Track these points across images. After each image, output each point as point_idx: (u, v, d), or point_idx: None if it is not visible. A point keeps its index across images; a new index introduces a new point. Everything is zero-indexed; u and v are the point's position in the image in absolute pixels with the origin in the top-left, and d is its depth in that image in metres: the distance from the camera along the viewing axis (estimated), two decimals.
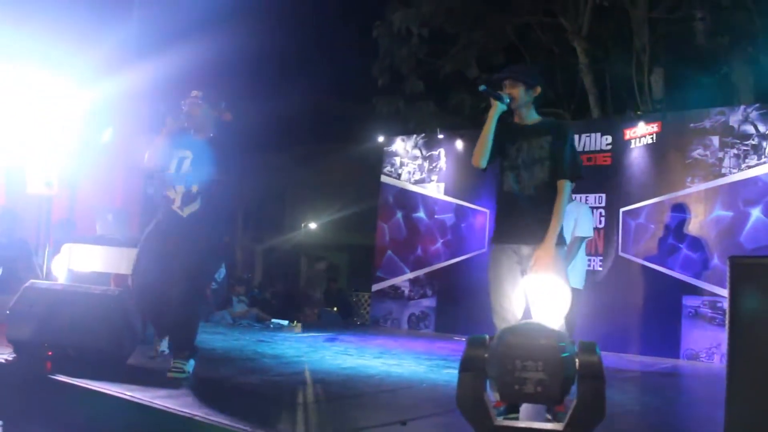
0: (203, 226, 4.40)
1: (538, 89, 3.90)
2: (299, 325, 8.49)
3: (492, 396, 2.38)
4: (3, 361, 4.36)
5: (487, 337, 2.45)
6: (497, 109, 3.77)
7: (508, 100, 3.78)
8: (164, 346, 4.98)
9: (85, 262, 6.40)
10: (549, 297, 3.66)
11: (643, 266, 7.98)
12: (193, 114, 4.59)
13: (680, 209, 7.88)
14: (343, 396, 4.26)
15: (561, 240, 3.80)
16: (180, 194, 4.45)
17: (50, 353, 4.44)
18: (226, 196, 4.59)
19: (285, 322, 9.44)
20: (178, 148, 4.55)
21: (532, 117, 3.91)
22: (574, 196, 8.33)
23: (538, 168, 3.78)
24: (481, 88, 3.80)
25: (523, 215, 3.77)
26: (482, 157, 3.81)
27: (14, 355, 4.45)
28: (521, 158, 3.82)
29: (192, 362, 4.41)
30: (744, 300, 2.49)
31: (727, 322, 2.55)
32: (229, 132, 4.78)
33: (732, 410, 2.44)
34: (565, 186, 3.77)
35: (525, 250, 3.74)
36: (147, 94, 8.61)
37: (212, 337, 7.03)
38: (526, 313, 3.77)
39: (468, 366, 2.39)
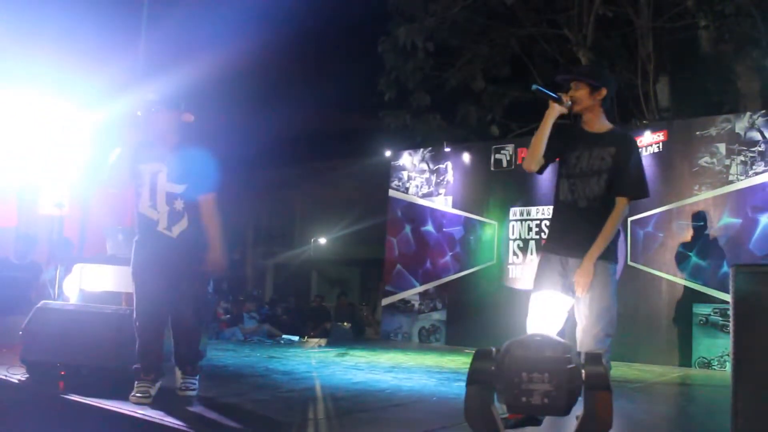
0: (198, 244, 4.11)
1: (604, 91, 3.60)
2: (324, 340, 8.51)
3: (499, 408, 2.41)
4: (17, 381, 4.40)
5: (494, 349, 2.47)
6: (555, 110, 3.55)
7: (569, 103, 3.55)
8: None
9: (97, 282, 6.45)
10: (591, 316, 3.49)
11: (653, 275, 7.97)
12: (153, 121, 4.15)
13: (688, 217, 7.87)
14: (354, 411, 4.27)
15: (612, 257, 3.58)
16: (164, 213, 4.10)
17: (63, 373, 4.47)
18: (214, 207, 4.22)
19: (296, 338, 9.46)
20: (147, 162, 4.15)
21: (599, 124, 3.65)
22: None
23: (595, 180, 3.55)
24: (534, 87, 3.61)
25: (574, 227, 3.59)
26: (533, 161, 3.63)
27: (27, 375, 4.49)
28: (579, 167, 3.60)
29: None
30: (748, 307, 2.50)
31: (731, 329, 2.57)
32: (196, 135, 4.34)
33: (738, 417, 2.45)
34: (623, 203, 3.54)
35: (571, 262, 3.56)
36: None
37: (223, 354, 7.06)
38: (565, 329, 3.60)
39: (475, 379, 2.41)
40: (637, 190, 3.58)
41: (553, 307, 3.55)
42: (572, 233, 3.57)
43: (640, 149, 3.83)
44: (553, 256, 3.62)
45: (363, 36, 13.73)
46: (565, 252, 3.59)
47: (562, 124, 3.64)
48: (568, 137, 3.66)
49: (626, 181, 3.52)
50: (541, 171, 3.72)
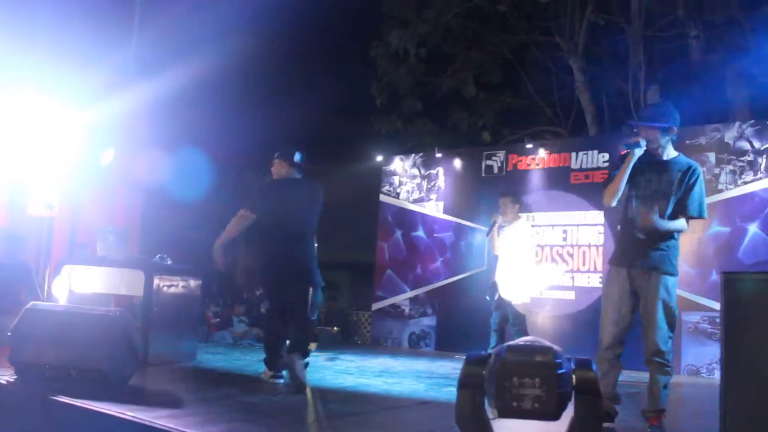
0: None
1: (674, 129, 4.09)
2: (314, 344, 8.50)
3: (490, 412, 2.42)
4: (5, 382, 4.38)
5: (485, 353, 2.48)
6: (635, 155, 4.03)
7: (644, 145, 4.02)
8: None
9: (86, 284, 6.44)
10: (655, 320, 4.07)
11: None
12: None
13: None
14: (344, 414, 4.27)
15: (673, 269, 4.07)
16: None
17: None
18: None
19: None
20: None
21: (668, 154, 4.12)
22: (574, 212, 8.43)
23: (662, 201, 4.02)
24: (623, 147, 4.08)
25: (641, 243, 4.04)
26: (614, 197, 4.11)
27: (16, 377, 4.46)
28: (650, 189, 4.06)
29: None
30: (737, 313, 2.52)
31: (720, 335, 2.59)
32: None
33: (726, 421, 2.47)
34: (685, 221, 4.06)
35: (635, 272, 4.07)
36: (147, 114, 8.68)
37: (213, 357, 7.04)
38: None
39: (466, 383, 2.42)
40: (700, 211, 4.12)
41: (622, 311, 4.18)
42: (638, 247, 4.08)
43: (702, 178, 4.20)
44: (621, 269, 4.17)
45: (355, 41, 13.74)
46: (630, 264, 4.12)
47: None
48: (639, 162, 4.08)
49: (692, 203, 4.05)
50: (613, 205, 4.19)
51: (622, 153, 4.08)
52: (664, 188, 4.04)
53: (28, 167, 7.85)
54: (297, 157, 5.66)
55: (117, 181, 8.66)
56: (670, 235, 4.06)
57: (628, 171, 4.05)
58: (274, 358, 5.34)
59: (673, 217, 4.05)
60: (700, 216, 4.12)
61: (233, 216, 5.57)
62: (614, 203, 4.14)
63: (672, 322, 4.08)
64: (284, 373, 5.27)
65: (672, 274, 4.06)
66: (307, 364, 5.15)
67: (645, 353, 4.20)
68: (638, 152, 4.02)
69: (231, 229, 5.51)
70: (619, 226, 4.30)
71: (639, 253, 4.06)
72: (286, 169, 5.61)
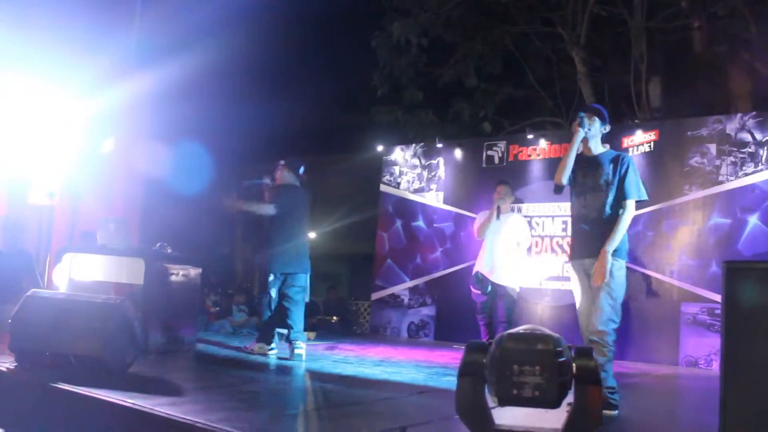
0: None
1: (608, 127, 4.59)
2: (313, 333, 8.50)
3: (491, 400, 2.42)
4: (5, 369, 4.39)
5: (486, 341, 2.48)
6: (579, 134, 4.42)
7: (588, 129, 4.44)
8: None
9: (87, 272, 6.44)
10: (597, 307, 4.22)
11: (642, 274, 8.01)
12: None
13: (678, 217, 7.92)
14: (343, 403, 4.28)
15: (619, 254, 4.32)
16: None
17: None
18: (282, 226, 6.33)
19: (285, 331, 9.43)
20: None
21: (597, 149, 4.52)
22: (561, 204, 8.43)
23: (604, 192, 4.35)
24: (581, 114, 4.49)
25: (589, 234, 4.37)
26: (565, 174, 4.44)
27: (16, 364, 4.47)
28: (588, 185, 4.41)
29: None
30: (738, 304, 2.52)
31: (721, 326, 2.59)
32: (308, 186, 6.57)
33: (726, 413, 2.47)
34: (629, 205, 4.33)
35: (588, 262, 4.35)
36: (148, 103, 8.67)
37: (213, 346, 7.05)
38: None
39: (467, 371, 2.42)
40: (639, 192, 4.39)
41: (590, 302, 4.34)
42: (588, 239, 4.38)
43: (634, 165, 4.52)
44: (576, 262, 4.50)
45: (357, 31, 13.72)
46: (583, 255, 4.43)
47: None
48: (576, 162, 4.47)
49: (629, 188, 4.34)
50: (565, 185, 4.50)
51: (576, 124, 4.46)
52: (600, 181, 4.37)
53: (28, 156, 7.84)
54: (302, 169, 6.62)
55: (118, 171, 8.66)
56: (614, 223, 4.30)
57: (575, 147, 4.43)
58: (270, 332, 6.44)
59: (615, 206, 4.33)
60: (640, 197, 4.38)
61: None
62: (566, 181, 4.45)
63: (614, 306, 4.26)
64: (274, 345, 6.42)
65: (617, 259, 4.31)
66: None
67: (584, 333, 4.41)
68: (581, 134, 4.41)
69: (253, 208, 6.50)
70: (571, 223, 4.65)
71: (589, 244, 4.36)
72: (290, 177, 6.51)
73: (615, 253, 4.28)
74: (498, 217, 7.20)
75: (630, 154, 8.32)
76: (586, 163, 4.48)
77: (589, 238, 4.37)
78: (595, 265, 4.24)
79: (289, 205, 6.34)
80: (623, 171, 4.36)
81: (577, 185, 4.49)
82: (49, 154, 7.91)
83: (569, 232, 8.12)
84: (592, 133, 4.48)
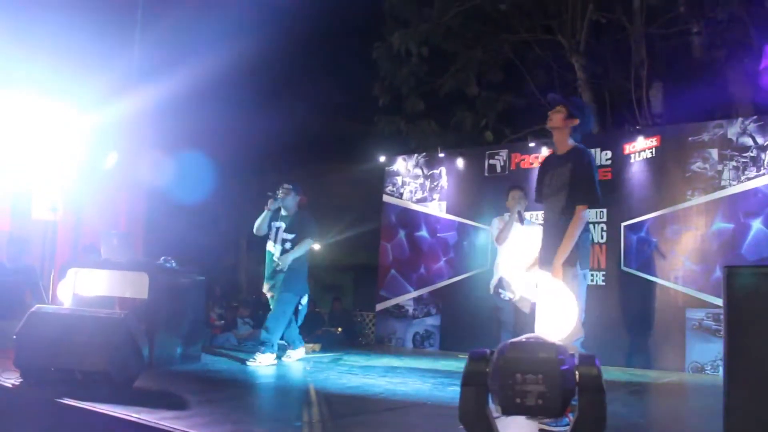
0: (291, 270, 6.80)
1: (575, 121, 4.12)
2: (318, 345, 8.48)
3: (494, 409, 2.42)
4: (10, 385, 4.39)
5: (489, 351, 2.48)
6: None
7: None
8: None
9: (91, 286, 6.45)
10: (554, 316, 3.88)
11: (646, 280, 7.99)
12: (285, 198, 6.96)
13: (681, 222, 7.91)
14: (349, 414, 4.28)
15: (574, 260, 3.96)
16: (278, 250, 6.85)
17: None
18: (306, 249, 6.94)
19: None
20: (275, 220, 6.99)
21: (564, 146, 4.15)
22: None
23: (562, 195, 4.02)
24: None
25: (545, 242, 4.13)
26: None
27: (21, 380, 4.48)
28: (553, 186, 4.12)
29: None
30: (740, 308, 2.52)
31: (724, 330, 2.58)
32: (307, 210, 7.15)
33: (730, 418, 2.46)
34: (578, 211, 3.96)
35: (544, 272, 4.06)
36: (150, 116, 8.70)
37: (217, 359, 7.05)
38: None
39: (470, 380, 2.42)
40: (588, 197, 3.99)
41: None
42: (548, 246, 4.12)
43: (591, 159, 4.13)
44: (542, 271, 4.17)
45: (357, 42, 13.75)
46: (544, 264, 4.14)
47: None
48: (546, 163, 4.30)
49: (579, 191, 3.98)
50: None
51: None
52: (559, 182, 4.07)
53: (31, 171, 7.87)
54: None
55: (121, 185, 8.69)
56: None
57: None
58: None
59: (568, 209, 4.01)
60: (589, 204, 4.02)
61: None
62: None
63: (571, 320, 3.91)
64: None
65: (572, 265, 3.97)
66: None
67: None
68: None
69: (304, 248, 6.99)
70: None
71: (545, 252, 4.15)
72: (294, 201, 7.04)
73: (569, 261, 3.96)
74: (522, 221, 6.86)
75: (632, 160, 8.33)
76: (552, 163, 4.23)
77: (545, 246, 4.16)
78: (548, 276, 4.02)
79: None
80: (576, 171, 4.02)
81: (544, 188, 4.24)
82: (52, 168, 7.94)
83: None
84: (555, 125, 4.16)
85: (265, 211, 7.00)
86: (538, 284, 4.19)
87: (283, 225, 6.97)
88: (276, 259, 6.85)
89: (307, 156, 14.18)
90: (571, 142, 4.14)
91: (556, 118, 4.13)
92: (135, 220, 9.12)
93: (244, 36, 10.59)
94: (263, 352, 6.52)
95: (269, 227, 7.02)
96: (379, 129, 13.41)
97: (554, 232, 4.05)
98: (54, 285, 6.98)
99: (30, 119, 7.83)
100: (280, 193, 6.99)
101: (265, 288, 7.05)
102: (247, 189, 13.33)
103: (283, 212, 7.05)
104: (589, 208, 4.03)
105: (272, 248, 6.96)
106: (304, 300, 7.10)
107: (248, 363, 6.45)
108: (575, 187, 3.98)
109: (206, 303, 8.00)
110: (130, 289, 6.50)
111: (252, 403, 4.53)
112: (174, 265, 6.55)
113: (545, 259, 4.12)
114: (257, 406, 4.43)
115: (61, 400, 3.93)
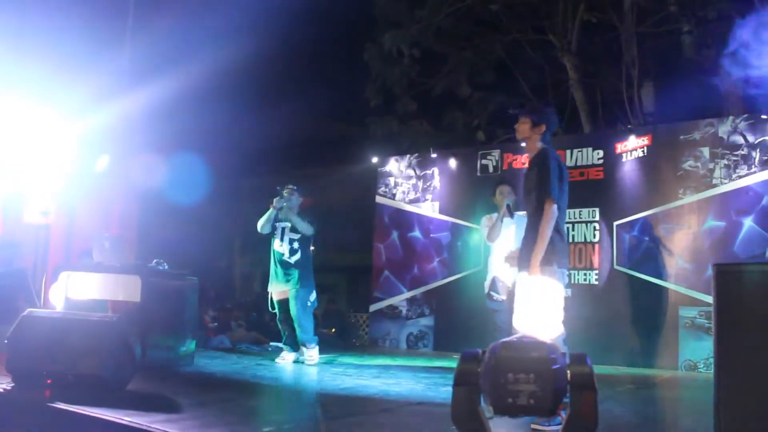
0: (303, 266, 7.19)
1: (543, 127, 4.26)
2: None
3: (486, 409, 2.42)
4: (2, 390, 4.38)
5: (480, 351, 2.48)
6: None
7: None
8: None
9: (83, 290, 6.43)
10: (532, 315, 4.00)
11: (639, 278, 8.01)
12: (290, 199, 7.20)
13: (674, 221, 7.93)
14: (343, 415, 4.28)
15: (551, 259, 4.02)
16: (286, 249, 7.17)
17: (49, 381, 4.45)
18: (309, 246, 7.31)
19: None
20: (279, 222, 7.23)
21: (534, 151, 4.28)
22: (569, 210, 8.41)
23: (533, 197, 4.14)
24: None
25: (525, 242, 4.21)
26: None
27: (13, 384, 4.46)
28: (524, 191, 4.30)
29: None
30: (729, 306, 2.53)
31: (714, 327, 2.59)
32: (309, 211, 7.42)
33: (720, 414, 2.47)
34: (545, 207, 4.04)
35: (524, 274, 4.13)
36: (141, 119, 8.68)
37: (211, 361, 7.04)
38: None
39: (462, 380, 2.42)
40: (548, 193, 4.06)
41: None
42: (523, 248, 4.27)
43: (551, 157, 4.19)
44: (520, 274, 4.26)
45: (349, 43, 13.75)
46: (521, 267, 4.26)
47: None
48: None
49: (542, 188, 4.08)
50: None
51: None
52: (533, 184, 4.18)
53: (23, 175, 7.84)
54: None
55: (113, 188, 8.66)
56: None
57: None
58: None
59: (539, 209, 4.09)
60: (547, 196, 4.05)
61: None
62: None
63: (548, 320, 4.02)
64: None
65: (549, 264, 4.02)
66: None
67: None
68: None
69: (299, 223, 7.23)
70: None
71: (522, 254, 4.23)
72: (298, 201, 7.30)
73: (546, 260, 4.01)
74: (512, 215, 6.72)
75: (624, 159, 8.35)
76: (529, 165, 4.38)
77: (523, 246, 4.27)
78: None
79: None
80: (540, 170, 4.13)
81: (523, 193, 4.40)
82: (43, 172, 7.91)
83: None
84: (524, 136, 4.33)
85: (270, 210, 7.21)
86: (517, 284, 4.26)
87: (288, 225, 7.21)
88: (287, 259, 7.16)
89: (300, 157, 14.17)
90: (539, 145, 4.27)
91: (524, 129, 4.30)
92: (127, 223, 9.09)
93: (235, 38, 10.57)
94: (311, 348, 7.06)
95: (274, 227, 7.25)
96: (372, 130, 13.41)
97: (530, 234, 4.15)
98: (46, 289, 6.95)
99: (21, 123, 7.80)
100: (285, 193, 7.22)
101: (273, 287, 7.25)
102: (239, 191, 13.31)
103: (286, 212, 7.27)
104: (556, 204, 4.05)
105: (279, 247, 7.21)
106: (313, 296, 7.31)
107: (306, 362, 6.96)
108: (539, 186, 4.10)
109: (200, 305, 7.98)
110: (123, 293, 6.48)
111: (245, 405, 4.52)
112: (166, 267, 6.53)
113: (523, 260, 4.18)
114: (251, 408, 4.42)
115: (53, 404, 3.92)
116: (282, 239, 7.22)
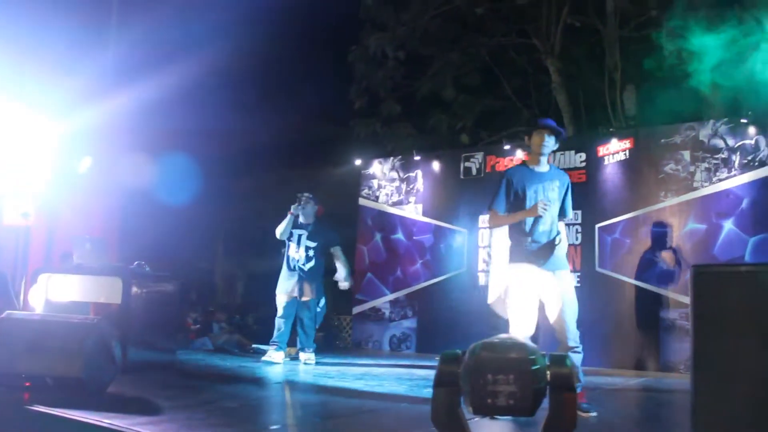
0: (316, 275, 7.54)
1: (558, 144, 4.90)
2: (295, 348, 8.43)
3: (466, 410, 2.42)
4: None
5: (460, 352, 2.49)
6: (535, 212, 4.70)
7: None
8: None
9: (64, 292, 6.38)
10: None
11: (621, 281, 8.06)
12: (306, 206, 7.51)
13: (655, 223, 7.98)
14: (325, 416, 4.27)
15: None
16: (303, 256, 7.44)
17: (28, 384, 4.41)
18: (324, 254, 7.60)
19: (266, 347, 9.38)
20: (296, 229, 7.52)
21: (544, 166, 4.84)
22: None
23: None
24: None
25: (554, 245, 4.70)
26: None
27: None
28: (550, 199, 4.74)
29: None
30: (707, 307, 2.55)
31: (691, 328, 2.61)
32: (324, 219, 7.75)
33: (697, 415, 2.49)
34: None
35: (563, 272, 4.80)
36: (124, 121, 8.63)
37: (193, 364, 7.01)
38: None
39: (442, 381, 2.42)
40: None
41: None
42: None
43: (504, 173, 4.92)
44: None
45: (333, 45, 13.75)
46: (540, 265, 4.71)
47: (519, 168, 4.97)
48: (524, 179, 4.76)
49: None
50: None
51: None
52: (552, 196, 4.73)
53: (2, 177, 7.77)
54: None
55: (95, 189, 8.60)
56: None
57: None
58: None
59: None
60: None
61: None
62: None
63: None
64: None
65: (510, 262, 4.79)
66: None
67: None
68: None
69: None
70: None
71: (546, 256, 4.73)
72: (313, 210, 7.60)
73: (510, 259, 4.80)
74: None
75: (606, 162, 8.40)
76: (536, 178, 4.80)
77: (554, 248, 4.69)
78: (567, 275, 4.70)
79: None
80: (568, 189, 4.90)
81: (527, 200, 4.73)
82: (23, 174, 7.85)
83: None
84: (546, 151, 4.79)
85: (289, 216, 7.51)
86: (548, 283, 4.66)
87: (305, 233, 7.52)
88: (302, 266, 7.46)
89: (283, 159, 14.13)
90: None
91: (551, 144, 4.81)
92: (110, 224, 9.03)
93: (218, 39, 10.53)
94: (309, 352, 7.44)
95: (291, 233, 7.54)
96: (355, 132, 13.41)
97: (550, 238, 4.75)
98: (25, 291, 6.89)
99: (1, 124, 7.73)
100: (302, 201, 7.53)
101: (283, 291, 7.49)
102: (222, 192, 13.25)
103: (302, 220, 7.57)
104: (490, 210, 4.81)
105: (295, 254, 7.49)
106: (322, 302, 7.75)
107: (306, 362, 7.31)
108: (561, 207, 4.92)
109: (182, 307, 7.96)
110: (104, 295, 6.44)
111: (228, 407, 4.50)
112: (148, 269, 6.50)
113: (536, 261, 4.69)
114: (233, 410, 4.40)
115: (33, 408, 3.89)
116: (298, 246, 7.51)
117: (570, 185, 4.91)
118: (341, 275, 7.67)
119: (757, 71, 8.09)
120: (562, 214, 4.86)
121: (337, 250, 7.67)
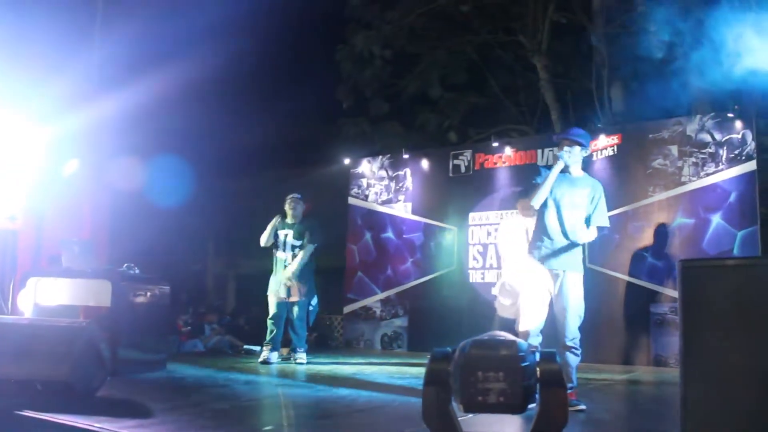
0: (305, 275, 7.50)
1: (585, 152, 4.93)
2: (286, 349, 8.42)
3: (456, 408, 2.42)
4: None
5: (451, 350, 2.48)
6: (560, 165, 4.77)
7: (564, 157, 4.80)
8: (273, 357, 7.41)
9: (52, 296, 6.34)
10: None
11: (610, 276, 8.09)
12: (296, 208, 7.56)
13: (644, 218, 8.01)
14: (315, 417, 4.26)
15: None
16: (289, 255, 7.44)
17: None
18: (312, 253, 7.55)
19: (258, 348, 9.36)
20: (282, 229, 7.54)
21: (578, 171, 4.93)
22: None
23: (579, 212, 4.81)
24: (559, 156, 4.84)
25: (567, 246, 4.79)
26: (541, 201, 4.77)
27: None
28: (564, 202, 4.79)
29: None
30: (695, 301, 2.55)
31: (679, 323, 2.62)
32: (311, 217, 7.77)
33: (687, 409, 2.50)
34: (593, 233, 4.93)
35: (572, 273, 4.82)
36: (112, 123, 8.59)
37: (184, 366, 6.98)
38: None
39: (432, 379, 2.42)
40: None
41: None
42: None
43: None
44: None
45: (320, 44, 13.74)
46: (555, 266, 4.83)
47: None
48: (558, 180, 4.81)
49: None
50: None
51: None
52: (577, 201, 4.79)
53: None
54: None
55: (83, 192, 8.56)
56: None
57: (555, 177, 4.75)
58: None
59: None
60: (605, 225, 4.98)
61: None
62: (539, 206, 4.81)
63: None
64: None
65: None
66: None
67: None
68: (560, 164, 4.77)
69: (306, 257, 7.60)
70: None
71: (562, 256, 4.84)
72: (302, 209, 7.64)
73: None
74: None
75: (594, 158, 8.42)
76: (566, 182, 4.86)
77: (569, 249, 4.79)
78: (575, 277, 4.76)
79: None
80: (595, 197, 4.89)
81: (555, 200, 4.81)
82: (11, 176, 7.80)
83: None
84: (575, 160, 4.84)
85: (271, 224, 7.57)
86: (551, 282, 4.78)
87: (290, 232, 7.54)
88: (289, 273, 7.38)
89: (272, 160, 14.10)
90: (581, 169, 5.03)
91: (576, 153, 4.87)
92: (99, 227, 8.98)
93: (206, 40, 10.50)
94: (301, 352, 7.49)
95: (276, 236, 7.54)
96: (344, 131, 13.41)
97: (567, 239, 4.86)
98: (14, 295, 6.84)
99: None
100: (290, 204, 7.57)
101: (274, 293, 7.48)
102: (212, 194, 13.22)
103: (289, 220, 7.60)
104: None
105: (282, 256, 7.51)
106: (314, 301, 7.72)
107: (298, 362, 7.36)
108: (593, 213, 4.96)
109: (173, 309, 7.92)
110: (93, 298, 6.40)
111: (218, 409, 4.48)
112: (138, 271, 6.47)
113: (554, 261, 4.84)
114: (224, 412, 4.38)
115: (22, 413, 3.86)
116: (284, 248, 7.51)
117: (602, 195, 4.92)
118: (290, 268, 7.41)
119: (745, 64, 8.13)
120: (588, 220, 4.87)
121: (309, 248, 7.50)
